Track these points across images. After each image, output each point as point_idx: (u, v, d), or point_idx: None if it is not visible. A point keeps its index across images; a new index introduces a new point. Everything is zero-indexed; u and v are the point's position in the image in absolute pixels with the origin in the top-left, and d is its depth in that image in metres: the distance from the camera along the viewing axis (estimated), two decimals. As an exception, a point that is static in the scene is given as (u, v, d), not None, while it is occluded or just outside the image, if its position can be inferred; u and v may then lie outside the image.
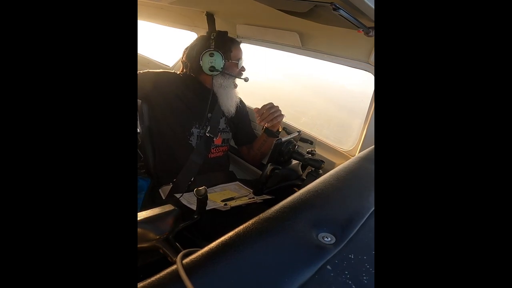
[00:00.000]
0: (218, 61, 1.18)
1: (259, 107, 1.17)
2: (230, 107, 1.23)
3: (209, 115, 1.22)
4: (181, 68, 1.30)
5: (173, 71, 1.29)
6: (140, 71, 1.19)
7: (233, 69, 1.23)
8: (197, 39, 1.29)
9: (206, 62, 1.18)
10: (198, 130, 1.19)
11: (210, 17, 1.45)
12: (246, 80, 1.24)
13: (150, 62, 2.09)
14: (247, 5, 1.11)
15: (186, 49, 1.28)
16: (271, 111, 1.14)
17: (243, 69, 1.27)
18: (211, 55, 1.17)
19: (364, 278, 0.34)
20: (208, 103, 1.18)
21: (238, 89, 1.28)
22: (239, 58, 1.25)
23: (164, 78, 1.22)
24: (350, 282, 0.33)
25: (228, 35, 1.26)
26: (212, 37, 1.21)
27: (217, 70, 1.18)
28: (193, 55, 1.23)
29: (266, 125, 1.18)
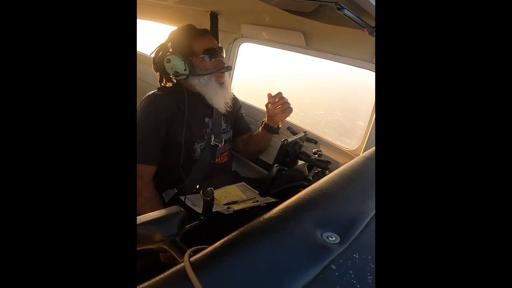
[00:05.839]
0: (178, 65, 1.08)
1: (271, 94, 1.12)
2: (219, 103, 1.14)
3: (209, 120, 1.17)
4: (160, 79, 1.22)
5: (155, 89, 1.18)
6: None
7: (203, 64, 1.11)
8: (159, 46, 1.18)
9: (169, 69, 1.10)
10: (200, 144, 1.15)
11: (214, 17, 1.45)
12: (223, 71, 1.12)
13: None
14: (251, 5, 1.12)
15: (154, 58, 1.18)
16: (284, 100, 1.11)
17: (220, 57, 1.14)
18: (168, 61, 1.08)
19: (369, 277, 0.34)
20: (205, 115, 1.12)
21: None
22: (204, 50, 1.11)
23: (158, 106, 1.10)
24: (354, 281, 0.33)
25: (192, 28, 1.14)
26: (169, 40, 1.12)
27: (184, 74, 1.09)
28: (158, 64, 1.16)
29: (275, 117, 1.12)
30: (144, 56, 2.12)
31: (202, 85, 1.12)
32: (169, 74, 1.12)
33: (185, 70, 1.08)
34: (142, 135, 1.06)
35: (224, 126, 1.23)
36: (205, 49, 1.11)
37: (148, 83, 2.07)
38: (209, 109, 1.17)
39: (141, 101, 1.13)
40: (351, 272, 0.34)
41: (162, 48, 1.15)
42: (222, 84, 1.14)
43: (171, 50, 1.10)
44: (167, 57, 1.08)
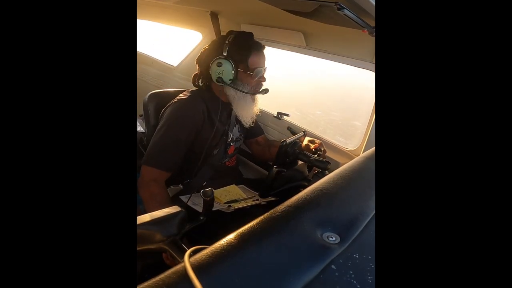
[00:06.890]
0: (226, 72, 1.03)
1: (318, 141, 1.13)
2: (246, 118, 1.14)
3: (228, 127, 1.16)
4: (197, 75, 1.17)
5: (185, 93, 1.14)
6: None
7: (247, 80, 1.08)
8: (212, 41, 1.13)
9: (214, 72, 1.05)
10: (218, 149, 1.13)
11: (214, 17, 1.45)
12: (264, 92, 1.11)
13: (154, 62, 2.09)
14: (251, 4, 1.11)
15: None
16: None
17: (262, 79, 1.11)
18: (219, 64, 1.03)
19: (369, 277, 0.34)
20: (227, 123, 1.11)
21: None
22: (256, 68, 1.06)
23: (193, 112, 1.06)
24: (354, 281, 0.33)
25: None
26: (227, 41, 1.05)
27: (225, 83, 1.05)
28: (203, 60, 1.09)
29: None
30: (144, 56, 2.12)
31: (237, 98, 1.09)
32: (210, 76, 1.07)
33: (230, 80, 1.04)
34: (170, 140, 1.03)
35: (237, 134, 1.24)
36: (257, 66, 1.07)
37: (148, 83, 2.07)
38: (229, 116, 1.16)
39: (174, 102, 1.09)
40: (351, 272, 0.34)
41: (216, 46, 1.08)
42: (254, 101, 1.13)
43: (225, 54, 1.04)
44: (219, 60, 1.03)
